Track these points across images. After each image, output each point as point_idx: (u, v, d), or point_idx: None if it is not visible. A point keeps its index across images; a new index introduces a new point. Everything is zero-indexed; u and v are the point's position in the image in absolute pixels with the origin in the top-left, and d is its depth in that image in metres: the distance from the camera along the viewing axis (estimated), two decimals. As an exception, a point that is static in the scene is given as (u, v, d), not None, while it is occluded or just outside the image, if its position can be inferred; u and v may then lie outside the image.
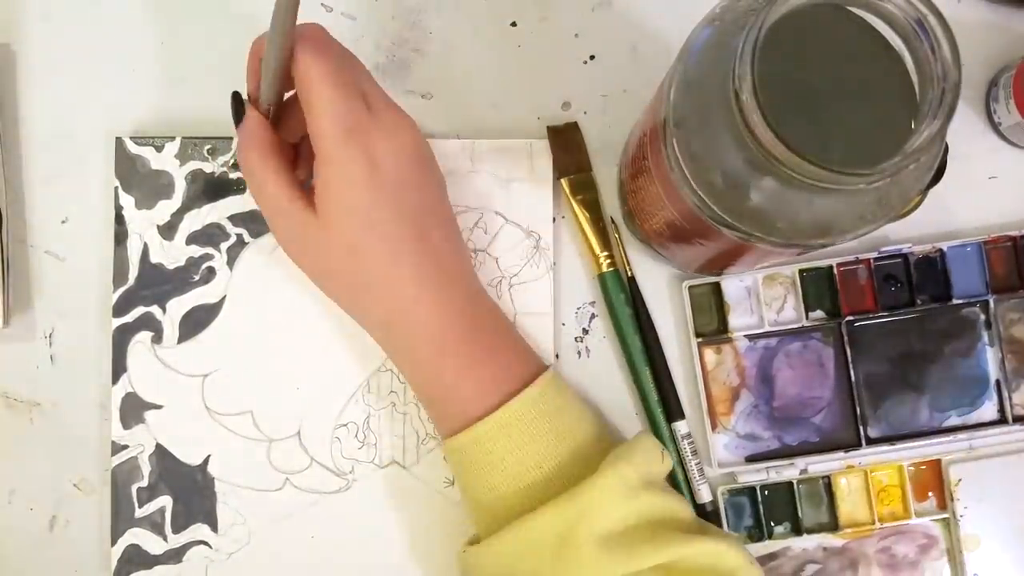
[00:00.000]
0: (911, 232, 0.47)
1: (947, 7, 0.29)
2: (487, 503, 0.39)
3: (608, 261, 0.46)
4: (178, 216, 0.46)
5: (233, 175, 0.46)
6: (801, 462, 0.46)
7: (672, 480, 0.46)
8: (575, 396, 0.42)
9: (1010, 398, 0.46)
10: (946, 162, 0.43)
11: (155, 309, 0.45)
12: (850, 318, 0.46)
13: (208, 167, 0.46)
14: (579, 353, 0.47)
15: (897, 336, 0.47)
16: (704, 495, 0.45)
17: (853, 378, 0.46)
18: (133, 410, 0.45)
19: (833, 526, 0.46)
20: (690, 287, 0.46)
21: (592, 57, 0.48)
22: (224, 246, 0.46)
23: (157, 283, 0.45)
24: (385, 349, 0.42)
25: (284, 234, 0.40)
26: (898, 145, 0.29)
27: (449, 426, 0.40)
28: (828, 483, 0.46)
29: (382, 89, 0.40)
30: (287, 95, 0.40)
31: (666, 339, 0.47)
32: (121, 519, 0.45)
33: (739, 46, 0.29)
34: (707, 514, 0.45)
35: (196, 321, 0.46)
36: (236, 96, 0.40)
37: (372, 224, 0.38)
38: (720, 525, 0.45)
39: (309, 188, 0.39)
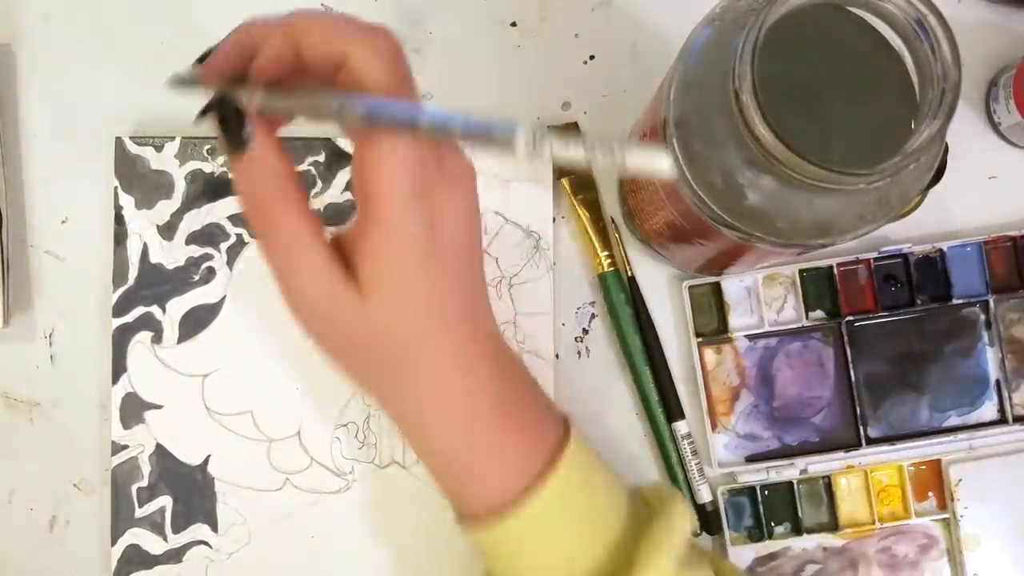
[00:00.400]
0: (911, 232, 0.47)
1: (947, 7, 0.29)
2: None
3: (608, 261, 0.46)
4: (178, 216, 0.46)
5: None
6: (801, 462, 0.46)
7: (673, 480, 0.46)
8: (600, 461, 0.38)
9: (1010, 398, 0.46)
10: (946, 162, 0.43)
11: (155, 309, 0.45)
12: (850, 318, 0.46)
13: (208, 167, 0.46)
14: (579, 353, 0.47)
15: (897, 336, 0.47)
16: (704, 495, 0.45)
17: (853, 378, 0.46)
18: (133, 410, 0.45)
19: (833, 526, 0.46)
20: (690, 287, 0.46)
21: (592, 57, 0.48)
22: (224, 246, 0.46)
23: (157, 283, 0.45)
24: (399, 427, 0.36)
25: (301, 297, 0.32)
26: (898, 145, 0.29)
27: (468, 510, 0.36)
28: (828, 483, 0.46)
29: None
30: None
31: (666, 339, 0.47)
32: (121, 519, 0.45)
33: (739, 46, 0.29)
34: (707, 514, 0.45)
35: (196, 321, 0.46)
36: (230, 107, 0.29)
37: (421, 302, 0.32)
38: (720, 525, 0.45)
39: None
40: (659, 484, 0.39)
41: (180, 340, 0.45)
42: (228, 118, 0.28)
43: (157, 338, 0.45)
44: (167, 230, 0.46)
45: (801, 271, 0.46)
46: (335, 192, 0.46)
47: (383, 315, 0.32)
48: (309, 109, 0.29)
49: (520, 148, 0.27)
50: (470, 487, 0.36)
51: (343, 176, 0.46)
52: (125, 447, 0.45)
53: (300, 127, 0.32)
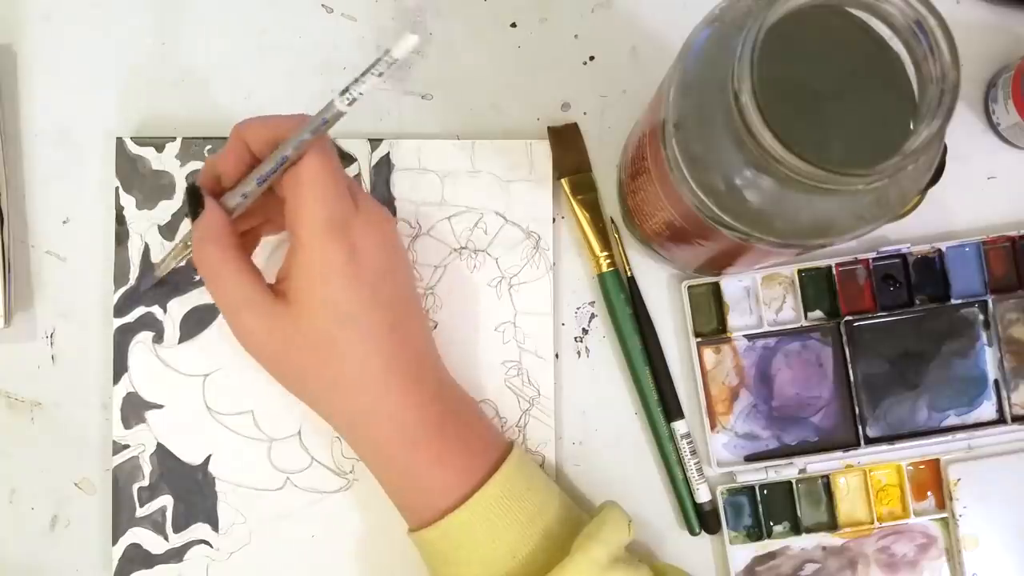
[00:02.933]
0: (910, 232, 0.47)
1: (946, 7, 0.29)
2: None
3: (608, 261, 0.46)
4: (179, 216, 0.46)
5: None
6: (800, 462, 0.46)
7: (672, 480, 0.46)
8: (540, 472, 0.42)
9: (1009, 398, 0.47)
10: (945, 162, 0.43)
11: (156, 309, 0.46)
12: (849, 318, 0.46)
13: (209, 167, 0.46)
14: (579, 353, 0.47)
15: (896, 336, 0.47)
16: (703, 495, 0.45)
17: (852, 378, 0.46)
18: (134, 410, 0.45)
19: (832, 525, 0.46)
20: (689, 287, 0.46)
21: (592, 58, 0.48)
22: (225, 246, 0.46)
23: (158, 283, 0.46)
24: (349, 442, 0.41)
25: (248, 328, 0.38)
26: (897, 146, 0.29)
27: (417, 517, 0.40)
28: (827, 483, 0.46)
29: (363, 190, 0.40)
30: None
31: (665, 339, 0.47)
32: (122, 518, 0.45)
33: (738, 47, 0.29)
34: (706, 514, 0.45)
35: (197, 321, 0.46)
36: (194, 189, 0.39)
37: (347, 315, 0.37)
38: (719, 525, 0.46)
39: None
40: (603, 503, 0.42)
41: (181, 340, 0.46)
42: (191, 196, 0.39)
43: (158, 338, 0.45)
44: (168, 230, 0.46)
45: (800, 271, 0.46)
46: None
47: (306, 322, 0.37)
48: (250, 192, 0.38)
49: (339, 105, 0.34)
50: (415, 497, 0.40)
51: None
52: (126, 447, 0.45)
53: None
